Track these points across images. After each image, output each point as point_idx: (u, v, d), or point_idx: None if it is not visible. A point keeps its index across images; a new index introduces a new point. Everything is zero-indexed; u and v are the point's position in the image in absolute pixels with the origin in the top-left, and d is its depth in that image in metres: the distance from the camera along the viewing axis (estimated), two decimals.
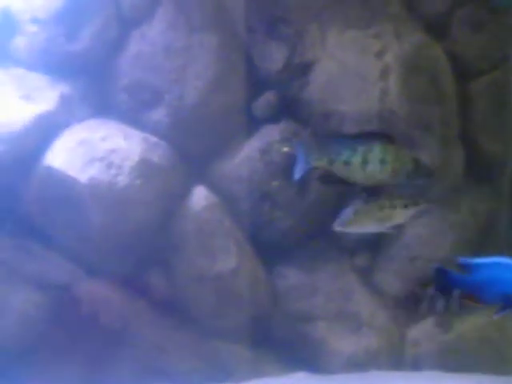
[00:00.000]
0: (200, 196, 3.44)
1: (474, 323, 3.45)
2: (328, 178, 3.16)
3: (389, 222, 3.01)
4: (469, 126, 3.54)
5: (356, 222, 3.00)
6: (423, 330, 3.49)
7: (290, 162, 3.37)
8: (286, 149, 3.51)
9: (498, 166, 3.54)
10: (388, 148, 3.04)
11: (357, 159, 2.99)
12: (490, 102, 3.55)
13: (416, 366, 3.47)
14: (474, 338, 3.44)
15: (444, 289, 2.84)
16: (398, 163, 3.04)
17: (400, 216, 3.01)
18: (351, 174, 3.01)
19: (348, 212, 3.04)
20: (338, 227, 3.01)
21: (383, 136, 3.11)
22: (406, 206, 2.99)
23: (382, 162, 3.02)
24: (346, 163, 2.98)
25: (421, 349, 3.48)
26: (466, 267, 2.74)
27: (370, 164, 3.00)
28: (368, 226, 3.06)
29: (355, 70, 3.49)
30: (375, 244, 3.45)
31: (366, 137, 3.11)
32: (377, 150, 3.02)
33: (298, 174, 3.04)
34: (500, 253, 2.95)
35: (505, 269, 2.72)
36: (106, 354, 3.35)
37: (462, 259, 2.76)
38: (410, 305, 3.42)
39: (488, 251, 3.11)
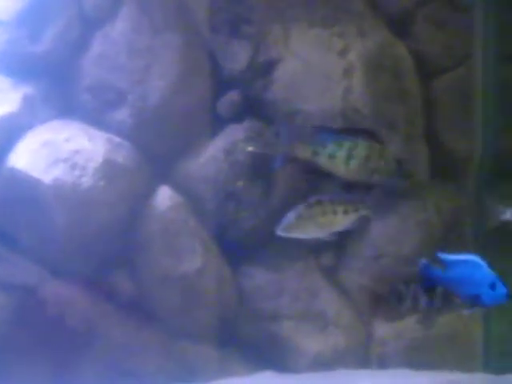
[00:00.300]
0: (164, 196, 3.43)
1: (440, 321, 3.37)
2: (311, 169, 3.21)
3: (330, 227, 3.02)
4: (433, 123, 3.55)
5: (298, 227, 3.01)
6: (390, 329, 3.49)
7: (255, 161, 3.46)
8: (250, 148, 3.50)
9: (462, 164, 3.54)
10: (373, 146, 3.08)
11: (341, 154, 3.02)
12: (454, 99, 3.55)
13: (383, 364, 3.47)
14: (440, 335, 3.43)
15: (428, 285, 2.89)
16: (381, 162, 3.08)
17: (341, 222, 3.02)
18: (335, 167, 3.05)
19: (290, 217, 3.06)
20: (280, 232, 3.02)
21: (368, 134, 3.15)
22: (346, 212, 3.00)
23: (366, 159, 3.05)
24: (331, 156, 3.01)
25: (388, 347, 3.48)
26: (444, 263, 2.78)
27: (353, 160, 3.03)
28: (310, 232, 3.05)
29: (319, 69, 3.47)
30: (341, 242, 3.39)
31: (351, 132, 3.13)
32: (362, 147, 3.06)
33: (279, 162, 3.08)
34: (465, 250, 3.00)
35: (474, 268, 2.75)
36: (72, 356, 3.33)
37: (442, 255, 2.80)
38: (392, 303, 3.44)
39: (453, 248, 3.05)
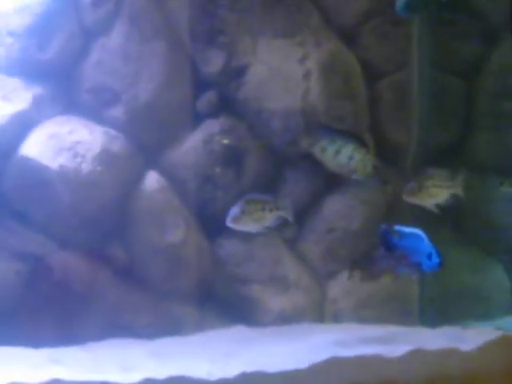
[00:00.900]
0: (152, 180, 3.71)
1: (382, 282, 3.73)
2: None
3: (263, 223, 3.27)
4: (377, 118, 3.84)
5: (242, 221, 3.22)
6: (341, 289, 3.78)
7: (228, 151, 3.75)
8: (226, 141, 3.78)
9: (402, 152, 3.82)
10: (359, 149, 3.33)
11: (332, 149, 3.29)
12: (394, 98, 3.85)
13: (336, 319, 3.76)
14: (384, 294, 3.73)
15: (389, 248, 3.13)
16: (360, 164, 3.34)
17: (268, 219, 3.27)
18: (324, 159, 3.32)
19: (235, 211, 3.26)
20: (229, 224, 3.24)
21: (360, 140, 3.41)
22: (270, 210, 3.25)
23: (350, 158, 3.31)
24: (323, 149, 3.29)
25: (339, 305, 3.77)
26: (399, 234, 3.08)
27: (340, 156, 3.30)
28: (250, 226, 3.29)
29: (282, 74, 3.77)
30: (300, 218, 3.66)
31: (347, 135, 3.41)
32: (349, 147, 3.31)
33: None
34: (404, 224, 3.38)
35: (418, 239, 3.05)
36: (75, 313, 3.58)
37: (397, 227, 3.08)
38: (365, 265, 3.64)
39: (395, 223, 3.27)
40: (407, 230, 3.15)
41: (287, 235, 3.74)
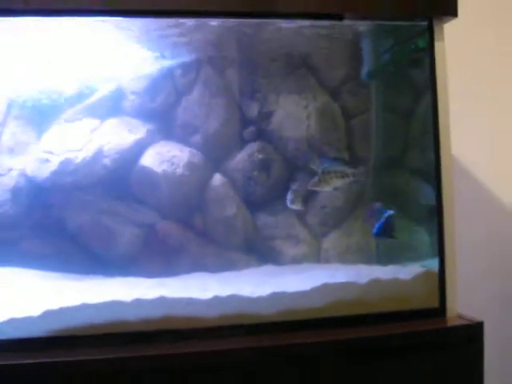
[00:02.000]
0: (217, 179, 3.87)
1: (355, 239, 3.91)
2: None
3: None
4: (351, 142, 3.98)
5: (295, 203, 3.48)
6: (330, 243, 3.94)
7: (262, 161, 3.91)
8: (260, 156, 3.90)
9: (365, 161, 3.94)
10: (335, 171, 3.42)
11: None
12: (361, 129, 3.98)
13: (326, 261, 3.92)
14: (356, 247, 3.89)
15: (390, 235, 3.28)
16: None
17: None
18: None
19: (290, 196, 3.49)
20: (289, 205, 3.49)
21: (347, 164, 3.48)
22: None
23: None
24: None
25: (329, 253, 3.93)
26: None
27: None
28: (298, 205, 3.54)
29: (294, 116, 3.92)
30: (306, 201, 3.82)
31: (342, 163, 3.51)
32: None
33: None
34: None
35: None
36: (172, 260, 3.79)
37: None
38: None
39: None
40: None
41: (298, 210, 3.81)
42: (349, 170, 3.43)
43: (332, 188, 3.43)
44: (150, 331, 2.95)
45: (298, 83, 3.93)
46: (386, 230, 3.30)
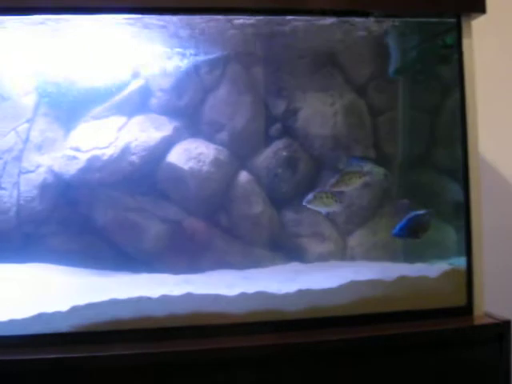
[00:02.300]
0: (243, 176, 3.88)
1: (381, 237, 3.87)
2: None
3: (327, 208, 3.38)
4: (377, 139, 3.95)
5: (314, 203, 3.34)
6: (355, 241, 3.92)
7: (287, 158, 3.89)
8: (285, 153, 3.90)
9: (392, 159, 3.92)
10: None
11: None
12: (387, 127, 3.95)
13: (352, 259, 3.90)
14: (381, 244, 3.86)
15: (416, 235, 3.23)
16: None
17: (333, 206, 3.35)
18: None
19: (310, 196, 3.33)
20: (305, 204, 3.34)
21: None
22: (336, 201, 3.34)
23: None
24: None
25: (354, 250, 3.91)
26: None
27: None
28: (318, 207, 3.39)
29: (320, 113, 3.90)
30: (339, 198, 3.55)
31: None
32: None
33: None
34: None
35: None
36: (199, 253, 3.78)
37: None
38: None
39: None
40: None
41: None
42: (371, 170, 3.43)
43: (351, 189, 3.41)
44: (177, 327, 2.96)
45: (324, 80, 3.92)
46: (408, 231, 3.26)
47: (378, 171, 3.52)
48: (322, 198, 3.31)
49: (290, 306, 3.08)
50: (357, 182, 3.41)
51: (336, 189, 3.39)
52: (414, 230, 3.24)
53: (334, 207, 3.35)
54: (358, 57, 3.94)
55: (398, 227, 3.25)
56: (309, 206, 3.34)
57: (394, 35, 3.75)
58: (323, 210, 3.38)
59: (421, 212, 3.27)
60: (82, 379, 2.61)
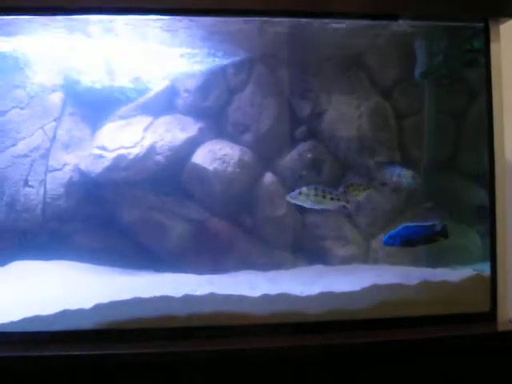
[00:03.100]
0: (268, 177, 3.87)
1: None
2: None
3: (322, 206, 3.29)
4: (402, 142, 3.93)
5: (297, 200, 3.28)
6: (378, 244, 3.86)
7: (312, 160, 3.88)
8: (310, 155, 3.88)
9: (417, 162, 3.87)
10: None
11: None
12: (413, 130, 3.92)
13: (375, 262, 3.87)
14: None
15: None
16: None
17: (328, 204, 3.28)
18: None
19: (295, 192, 3.28)
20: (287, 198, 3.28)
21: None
22: (331, 199, 3.27)
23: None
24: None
25: (377, 254, 3.88)
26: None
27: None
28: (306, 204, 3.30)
29: (345, 115, 3.88)
30: (357, 202, 3.56)
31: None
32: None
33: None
34: None
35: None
36: (223, 254, 3.79)
37: None
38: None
39: None
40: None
41: (347, 212, 3.68)
42: (400, 173, 3.44)
43: (312, 205, 3.33)
44: (200, 327, 2.96)
45: (350, 83, 3.91)
46: (401, 240, 3.18)
47: (407, 174, 3.49)
48: (309, 194, 3.27)
49: (313, 308, 3.08)
50: (360, 195, 3.42)
51: (293, 201, 3.33)
52: (408, 240, 3.18)
53: (326, 205, 3.28)
54: (384, 59, 3.93)
55: (386, 235, 3.21)
56: (292, 201, 3.30)
57: (420, 38, 3.75)
58: (308, 205, 3.32)
59: (415, 224, 3.21)
60: (103, 376, 2.65)
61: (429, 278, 3.26)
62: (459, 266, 3.49)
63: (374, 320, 3.08)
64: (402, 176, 3.53)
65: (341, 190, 3.33)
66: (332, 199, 3.24)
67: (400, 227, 3.12)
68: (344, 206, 3.27)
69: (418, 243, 3.17)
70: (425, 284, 3.21)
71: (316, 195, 3.23)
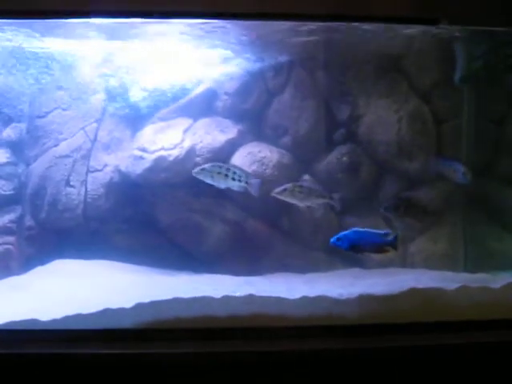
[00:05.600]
0: (306, 179, 3.90)
1: (440, 246, 3.85)
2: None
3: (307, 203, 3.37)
4: (440, 146, 3.92)
5: (282, 195, 3.32)
6: (416, 248, 3.88)
7: (350, 163, 3.90)
8: (348, 158, 3.90)
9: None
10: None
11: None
12: (451, 135, 3.91)
13: (412, 266, 3.86)
14: (441, 252, 3.84)
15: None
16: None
17: (314, 202, 3.36)
18: None
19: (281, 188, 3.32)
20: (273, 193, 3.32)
21: None
22: (317, 197, 3.35)
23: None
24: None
25: (415, 257, 3.87)
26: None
27: None
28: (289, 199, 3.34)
29: (384, 119, 3.89)
30: (395, 203, 3.61)
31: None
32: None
33: None
34: None
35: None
36: (260, 256, 3.82)
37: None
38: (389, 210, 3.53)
39: None
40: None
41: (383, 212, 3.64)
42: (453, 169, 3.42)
43: (297, 201, 3.39)
44: (239, 328, 2.93)
45: (389, 86, 3.90)
46: (349, 244, 3.14)
47: (462, 169, 3.47)
48: (294, 191, 3.30)
49: (352, 311, 3.03)
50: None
51: (279, 197, 3.37)
52: (356, 245, 3.13)
53: (310, 202, 3.34)
54: (423, 63, 3.91)
55: (335, 236, 3.16)
56: (278, 196, 3.32)
57: (460, 43, 3.71)
58: (295, 202, 3.36)
59: (366, 229, 3.15)
60: (141, 375, 2.63)
61: (468, 283, 3.21)
62: (499, 271, 3.47)
63: (412, 323, 3.02)
64: (458, 171, 3.49)
65: (282, 188, 3.35)
66: (316, 196, 3.32)
67: (349, 230, 3.07)
68: (328, 203, 3.34)
69: (365, 250, 3.14)
70: (464, 289, 3.14)
71: (301, 192, 3.29)
